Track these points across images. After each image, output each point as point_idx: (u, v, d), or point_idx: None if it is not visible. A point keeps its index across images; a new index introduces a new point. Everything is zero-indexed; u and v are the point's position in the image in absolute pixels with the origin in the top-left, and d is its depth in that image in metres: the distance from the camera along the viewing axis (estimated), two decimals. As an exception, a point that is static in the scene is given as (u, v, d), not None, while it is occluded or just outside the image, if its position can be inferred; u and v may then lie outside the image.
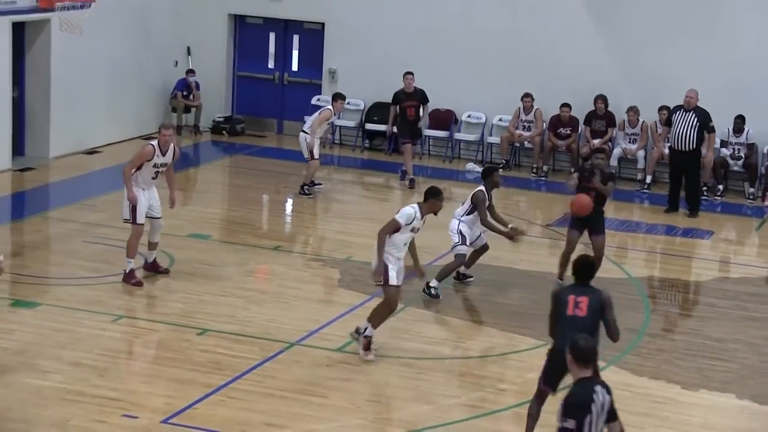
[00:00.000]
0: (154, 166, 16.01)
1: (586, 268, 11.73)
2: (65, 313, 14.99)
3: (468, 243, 16.38)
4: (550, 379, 11.50)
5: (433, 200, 13.86)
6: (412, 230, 13.72)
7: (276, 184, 22.87)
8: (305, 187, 21.28)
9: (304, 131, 21.39)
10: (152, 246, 16.52)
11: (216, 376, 13.34)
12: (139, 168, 15.94)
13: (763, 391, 13.86)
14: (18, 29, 21.93)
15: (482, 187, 16.44)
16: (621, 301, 16.74)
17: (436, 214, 13.95)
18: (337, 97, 21.64)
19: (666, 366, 14.48)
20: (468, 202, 16.45)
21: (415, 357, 14.04)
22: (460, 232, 16.31)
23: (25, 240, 18.34)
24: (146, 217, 16.17)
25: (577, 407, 8.77)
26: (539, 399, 11.67)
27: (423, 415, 12.62)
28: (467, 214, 16.37)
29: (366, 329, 13.73)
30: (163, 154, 16.09)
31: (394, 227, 13.61)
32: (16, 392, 12.29)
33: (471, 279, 16.96)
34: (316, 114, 21.53)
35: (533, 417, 11.63)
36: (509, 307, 16.26)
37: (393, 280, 13.63)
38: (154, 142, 16.06)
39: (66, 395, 12.45)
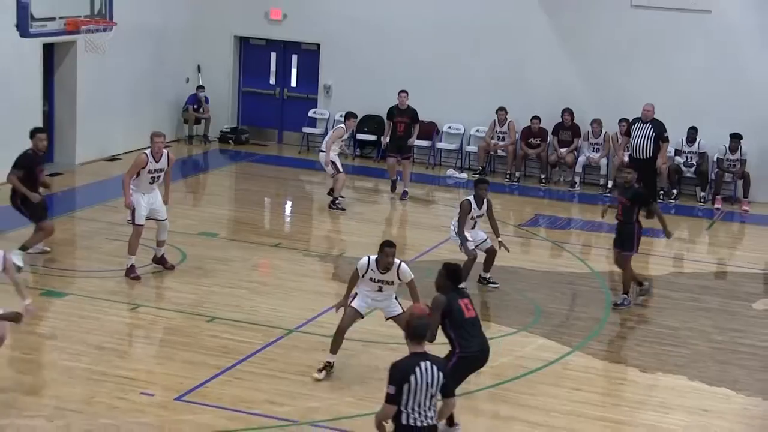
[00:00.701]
0: (149, 172, 15.98)
1: (458, 273, 11.45)
2: (90, 302, 15.01)
3: (470, 239, 16.05)
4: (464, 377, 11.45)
5: (379, 254, 12.49)
6: (374, 280, 12.52)
7: (276, 188, 22.85)
8: (336, 201, 20.77)
9: (321, 150, 21.10)
10: (159, 243, 16.48)
11: (223, 358, 13.36)
12: (137, 175, 15.94)
13: (712, 373, 13.91)
14: (48, 50, 22.01)
15: (470, 197, 16.19)
16: (585, 293, 16.94)
17: (387, 269, 12.42)
18: (349, 115, 21.32)
19: (625, 351, 14.55)
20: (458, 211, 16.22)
21: (403, 343, 14.02)
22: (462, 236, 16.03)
23: (55, 237, 18.26)
24: (152, 219, 16.20)
25: (398, 376, 8.89)
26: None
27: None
28: (465, 221, 16.08)
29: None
30: (157, 161, 16.05)
31: (353, 275, 12.74)
32: (48, 372, 12.34)
33: (496, 285, 16.60)
34: (330, 132, 21.30)
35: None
36: (485, 298, 16.27)
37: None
38: (148, 151, 16.02)
39: (91, 375, 12.52)
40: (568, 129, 23.76)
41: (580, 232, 20.66)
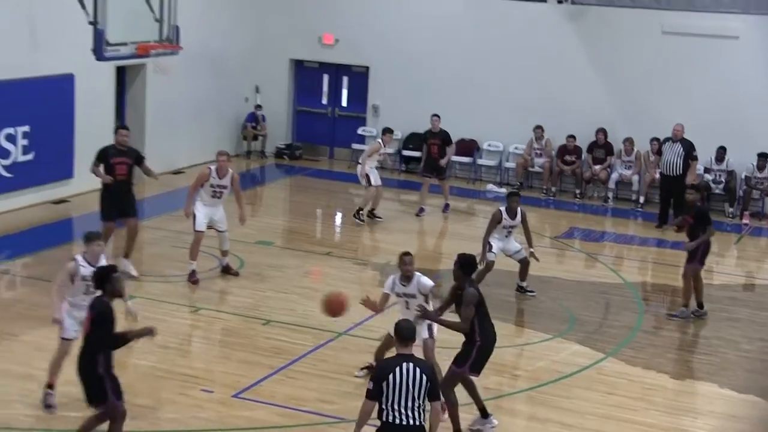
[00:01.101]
0: (211, 186, 16.04)
1: (471, 263, 11.46)
2: (156, 305, 15.06)
3: (495, 251, 15.97)
4: (478, 369, 11.35)
5: (398, 264, 12.15)
6: (400, 295, 12.07)
7: (327, 200, 22.83)
8: (360, 212, 20.40)
9: (358, 163, 20.95)
10: (223, 253, 16.53)
11: (277, 359, 13.36)
12: (202, 186, 16.02)
13: (741, 381, 13.72)
14: (120, 72, 22.19)
15: (502, 208, 16.13)
16: (618, 302, 16.76)
17: (409, 277, 11.97)
18: (386, 131, 21.03)
19: (657, 358, 14.33)
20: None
21: (443, 347, 13.93)
22: (489, 243, 15.98)
23: (123, 244, 18.36)
24: (212, 229, 16.24)
25: (378, 373, 8.88)
26: (473, 383, 11.54)
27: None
28: (492, 230, 16.02)
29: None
30: (220, 178, 16.06)
31: (382, 297, 12.26)
32: (119, 370, 12.25)
33: (533, 293, 16.43)
34: (368, 147, 21.20)
35: (458, 405, 11.37)
36: (522, 306, 16.15)
37: None
38: (213, 166, 16.10)
39: (157, 372, 12.62)
40: (601, 147, 23.59)
41: (613, 245, 20.48)
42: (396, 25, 25.13)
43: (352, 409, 11.93)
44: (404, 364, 8.78)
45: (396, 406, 8.75)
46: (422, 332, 11.97)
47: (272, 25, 26.08)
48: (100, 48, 16.62)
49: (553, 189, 23.98)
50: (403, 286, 12.05)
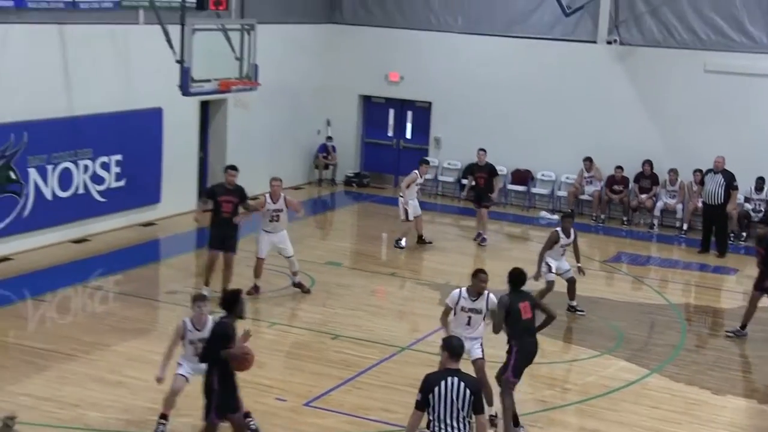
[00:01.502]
0: (269, 211, 16.09)
1: (519, 277, 11.71)
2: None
3: (554, 271, 15.94)
4: (518, 373, 11.55)
5: (473, 279, 11.88)
6: (465, 309, 11.82)
7: (392, 225, 22.73)
8: (399, 241, 20.25)
9: (400, 196, 20.39)
10: (294, 273, 16.59)
11: (345, 371, 13.41)
12: (262, 214, 16.11)
13: (780, 397, 13.57)
14: (204, 106, 22.37)
15: (558, 229, 16.13)
16: (662, 322, 16.60)
17: (480, 293, 11.73)
18: (422, 162, 20.73)
19: (699, 375, 14.17)
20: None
21: (499, 362, 13.86)
22: (547, 263, 15.92)
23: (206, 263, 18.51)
24: (280, 255, 16.33)
25: (425, 385, 8.72)
26: (510, 391, 11.61)
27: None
28: (549, 249, 16.01)
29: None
30: (274, 202, 16.12)
31: (445, 311, 12.01)
32: (195, 379, 12.33)
33: (582, 313, 16.32)
34: (406, 178, 20.63)
35: (511, 409, 11.54)
36: (573, 324, 16.05)
37: None
38: (267, 194, 16.15)
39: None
40: (647, 178, 23.40)
41: (657, 269, 20.29)
42: (456, 65, 25.15)
43: (414, 418, 11.97)
44: (450, 378, 8.67)
45: (442, 418, 8.65)
46: (475, 352, 11.91)
47: (343, 64, 26.22)
48: (186, 84, 16.84)
49: (602, 216, 23.80)
50: (472, 300, 11.79)
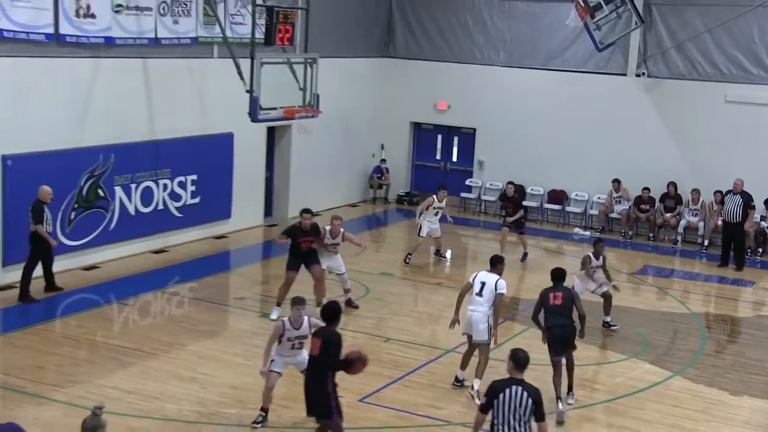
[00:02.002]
0: (326, 245, 15.89)
1: (558, 273, 12.84)
2: (293, 324, 15.20)
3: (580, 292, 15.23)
4: (554, 351, 12.32)
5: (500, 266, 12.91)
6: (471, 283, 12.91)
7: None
8: (408, 256, 19.78)
9: (419, 216, 19.99)
10: (345, 291, 16.35)
11: (395, 370, 13.43)
12: (323, 246, 15.87)
13: (792, 399, 13.43)
14: (270, 131, 22.50)
15: (590, 253, 15.81)
16: (684, 329, 16.49)
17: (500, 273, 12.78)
18: (440, 187, 20.14)
19: (718, 377, 14.06)
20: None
21: (535, 364, 13.84)
22: (573, 287, 15.11)
23: (270, 273, 18.67)
24: (332, 272, 16.15)
25: (490, 391, 8.73)
26: (557, 370, 12.28)
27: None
28: (582, 270, 15.68)
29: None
30: (333, 237, 15.94)
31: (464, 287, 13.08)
32: (256, 377, 12.40)
33: (616, 327, 15.92)
34: (423, 203, 20.39)
35: (558, 385, 12.21)
36: (602, 330, 15.96)
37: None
38: (328, 227, 15.91)
39: (295, 379, 12.35)
40: (672, 198, 23.25)
41: (680, 281, 20.13)
42: (499, 95, 25.16)
43: (457, 414, 12.04)
44: (513, 387, 8.64)
45: (504, 422, 8.62)
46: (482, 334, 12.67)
47: (396, 94, 26.34)
48: (254, 112, 16.94)
49: (630, 233, 23.65)
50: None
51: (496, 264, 12.89)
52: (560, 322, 12.27)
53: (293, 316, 11.29)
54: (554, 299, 12.34)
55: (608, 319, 16.03)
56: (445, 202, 20.18)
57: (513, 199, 21.08)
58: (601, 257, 15.85)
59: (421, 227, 19.80)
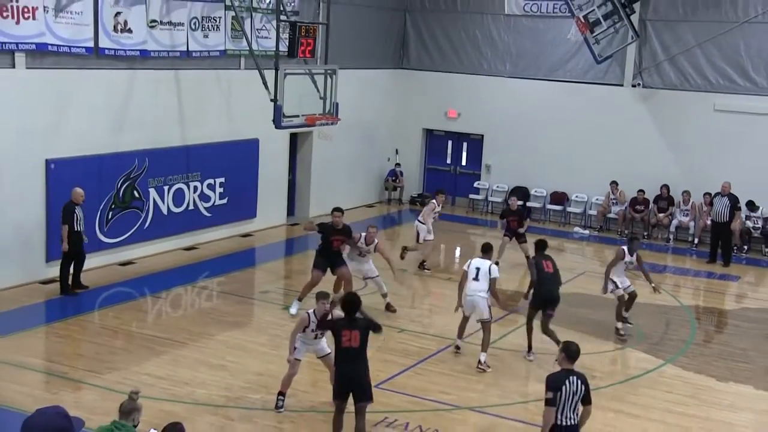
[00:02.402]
0: (359, 248, 15.54)
1: (544, 244, 14.00)
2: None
3: (620, 287, 15.06)
4: (537, 305, 13.61)
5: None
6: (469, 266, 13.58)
7: (449, 238, 22.76)
8: (424, 263, 18.87)
9: (419, 220, 19.01)
10: (383, 296, 15.85)
11: (408, 359, 13.45)
12: (355, 248, 15.54)
13: (773, 385, 13.40)
14: (293, 137, 22.50)
15: (624, 247, 15.19)
16: (676, 321, 16.45)
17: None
18: (439, 192, 19.40)
19: (706, 365, 14.04)
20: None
21: (537, 353, 13.89)
22: (612, 281, 15.07)
23: (293, 268, 18.70)
24: (366, 278, 15.76)
25: (554, 385, 8.69)
26: (548, 320, 13.59)
27: (540, 390, 12.39)
28: (614, 265, 15.09)
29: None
30: (367, 244, 15.50)
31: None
32: (283, 368, 12.48)
33: (631, 325, 15.42)
34: (426, 207, 19.43)
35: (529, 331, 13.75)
36: (601, 321, 15.91)
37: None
38: (364, 235, 15.54)
39: (314, 366, 12.47)
40: (665, 199, 23.17)
41: (672, 276, 20.08)
42: (505, 104, 25.13)
43: (466, 399, 12.04)
44: (571, 377, 8.71)
45: (563, 411, 8.63)
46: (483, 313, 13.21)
47: (410, 103, 26.34)
48: (278, 119, 16.95)
49: (626, 231, 23.56)
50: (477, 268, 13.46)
51: (488, 251, 13.73)
52: (553, 287, 13.62)
53: (318, 308, 11.20)
54: (547, 267, 13.59)
55: (626, 315, 15.41)
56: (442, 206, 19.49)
57: (518, 212, 20.03)
58: (635, 254, 15.12)
59: (419, 233, 18.78)
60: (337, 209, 15.64)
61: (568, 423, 8.69)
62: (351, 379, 10.17)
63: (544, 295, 13.53)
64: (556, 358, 9.07)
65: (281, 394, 11.50)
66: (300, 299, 15.38)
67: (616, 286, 15.15)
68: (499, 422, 11.48)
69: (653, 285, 15.27)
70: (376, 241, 15.64)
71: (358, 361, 10.13)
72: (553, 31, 24.57)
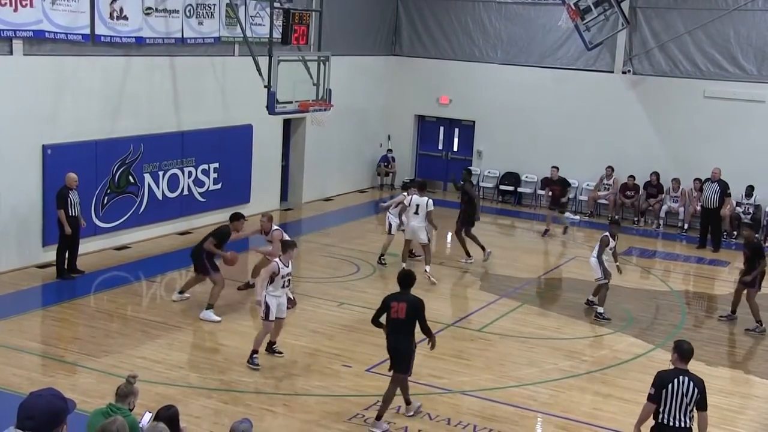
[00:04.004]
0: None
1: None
2: (309, 300, 15.24)
3: (605, 277, 15.20)
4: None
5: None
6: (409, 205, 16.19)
7: (441, 222, 22.43)
8: (381, 257, 17.92)
9: (389, 211, 17.98)
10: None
11: (400, 343, 13.36)
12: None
13: (762, 369, 13.47)
14: (286, 123, 22.47)
15: (607, 233, 15.36)
16: (665, 305, 16.45)
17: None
18: (421, 186, 18.10)
19: (696, 350, 13.68)
20: (597, 243, 15.40)
21: (528, 337, 13.89)
22: (602, 269, 15.18)
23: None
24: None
25: (658, 381, 8.45)
26: None
27: (532, 374, 12.46)
28: (602, 252, 15.23)
29: None
30: (265, 235, 15.16)
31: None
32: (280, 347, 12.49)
33: (602, 311, 15.26)
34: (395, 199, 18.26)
35: None
36: (593, 308, 15.93)
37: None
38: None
39: (307, 351, 12.68)
40: (654, 186, 23.17)
41: (662, 261, 20.09)
42: (497, 90, 25.10)
43: (457, 383, 12.02)
44: (681, 377, 8.38)
45: (670, 411, 8.34)
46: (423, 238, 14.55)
47: (402, 89, 26.28)
48: (272, 105, 16.91)
49: (617, 217, 23.43)
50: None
51: (424, 189, 16.92)
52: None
53: (284, 257, 12.14)
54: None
55: (595, 299, 15.65)
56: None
57: (560, 181, 21.44)
58: (617, 238, 15.29)
59: (390, 224, 17.87)
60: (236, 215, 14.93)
61: (677, 424, 8.35)
62: (392, 349, 10.57)
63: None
64: (670, 358, 8.78)
65: (255, 352, 12.03)
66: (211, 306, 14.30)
67: (606, 275, 15.26)
68: (492, 406, 11.46)
69: (617, 264, 15.63)
70: (274, 228, 15.12)
71: (402, 333, 10.51)
72: (544, 18, 24.50)
